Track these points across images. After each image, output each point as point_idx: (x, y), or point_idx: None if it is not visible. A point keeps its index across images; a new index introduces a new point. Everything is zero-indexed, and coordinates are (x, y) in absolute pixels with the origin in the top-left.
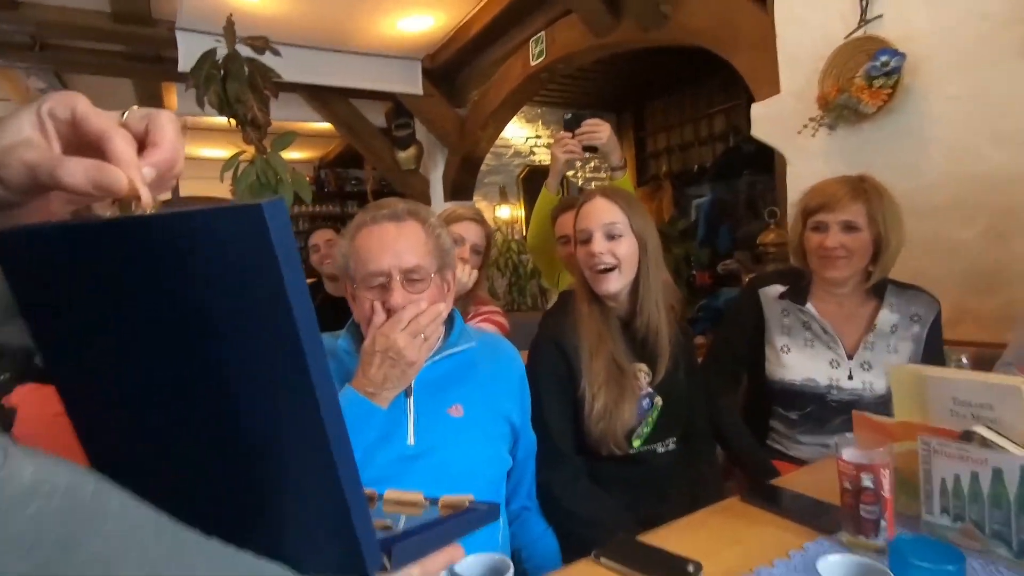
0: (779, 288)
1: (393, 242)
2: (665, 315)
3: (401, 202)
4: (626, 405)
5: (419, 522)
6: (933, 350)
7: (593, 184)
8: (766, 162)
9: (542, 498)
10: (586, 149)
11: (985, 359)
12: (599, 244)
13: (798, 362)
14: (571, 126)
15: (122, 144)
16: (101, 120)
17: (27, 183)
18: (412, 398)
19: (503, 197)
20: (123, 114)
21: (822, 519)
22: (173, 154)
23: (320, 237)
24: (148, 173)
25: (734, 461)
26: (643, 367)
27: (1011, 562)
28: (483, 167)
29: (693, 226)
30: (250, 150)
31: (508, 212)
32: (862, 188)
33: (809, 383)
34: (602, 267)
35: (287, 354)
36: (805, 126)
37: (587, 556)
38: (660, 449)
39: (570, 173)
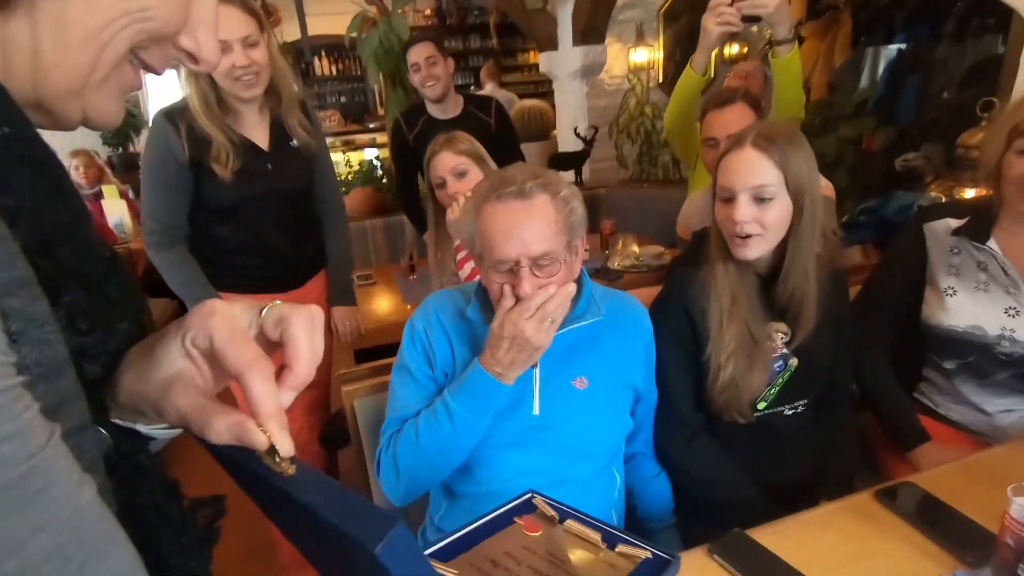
0: (953, 223)
1: (520, 227)
2: (814, 276)
3: (529, 173)
4: (756, 373)
5: None
6: None
7: (744, 52)
8: (997, 18)
9: (659, 455)
10: (746, 19)
11: None
12: (743, 210)
13: (964, 307)
14: None
15: (259, 392)
16: (239, 355)
17: (181, 424)
18: (538, 369)
19: (639, 37)
20: (262, 311)
21: (967, 547)
22: (308, 372)
23: (419, 55)
24: (287, 399)
25: (884, 429)
26: (781, 327)
27: None
28: (618, 1)
29: (872, 92)
30: (373, 9)
31: (645, 56)
32: None
33: (975, 331)
34: (744, 235)
35: None
36: None
37: (701, 546)
38: (788, 411)
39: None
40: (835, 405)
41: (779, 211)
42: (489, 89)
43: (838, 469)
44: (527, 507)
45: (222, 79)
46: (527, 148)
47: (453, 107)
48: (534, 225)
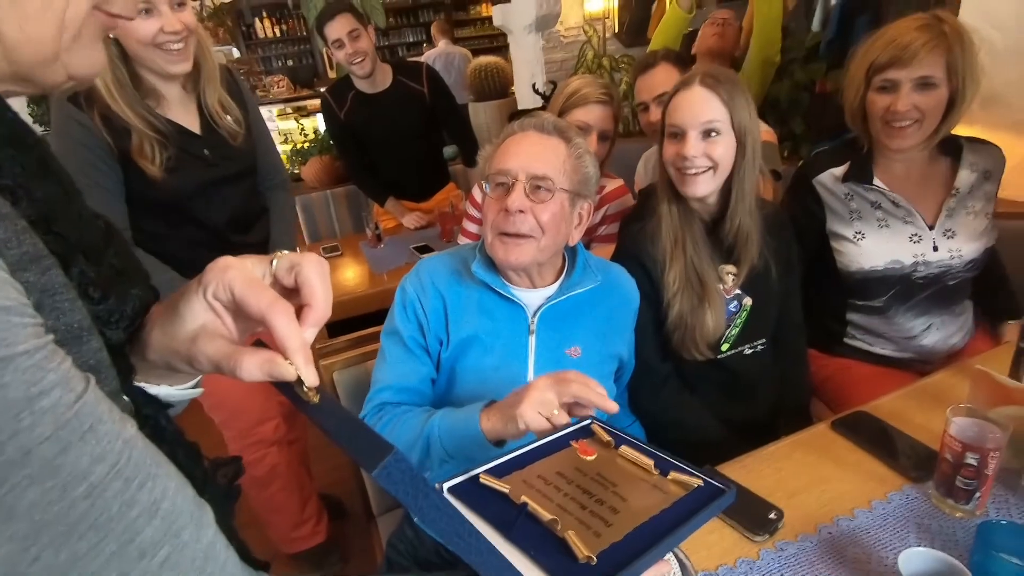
0: (838, 170)
1: (530, 147)
2: (757, 215)
3: (553, 117)
4: (708, 312)
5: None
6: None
7: None
8: None
9: (631, 404)
10: None
11: None
12: (693, 145)
13: (877, 246)
14: None
15: (285, 328)
16: (259, 300)
17: (214, 370)
18: (535, 336)
19: None
20: (272, 262)
21: (913, 465)
22: (326, 309)
23: (340, 29)
24: (310, 335)
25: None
26: (731, 268)
27: None
28: None
29: (823, 36)
30: None
31: (600, 4)
32: (940, 32)
33: (893, 266)
34: (693, 171)
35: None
36: None
37: None
38: (748, 351)
39: None
40: (789, 341)
41: (725, 147)
42: (442, 46)
43: (795, 402)
44: (585, 432)
45: (141, 50)
46: (486, 107)
47: (382, 79)
48: (540, 151)
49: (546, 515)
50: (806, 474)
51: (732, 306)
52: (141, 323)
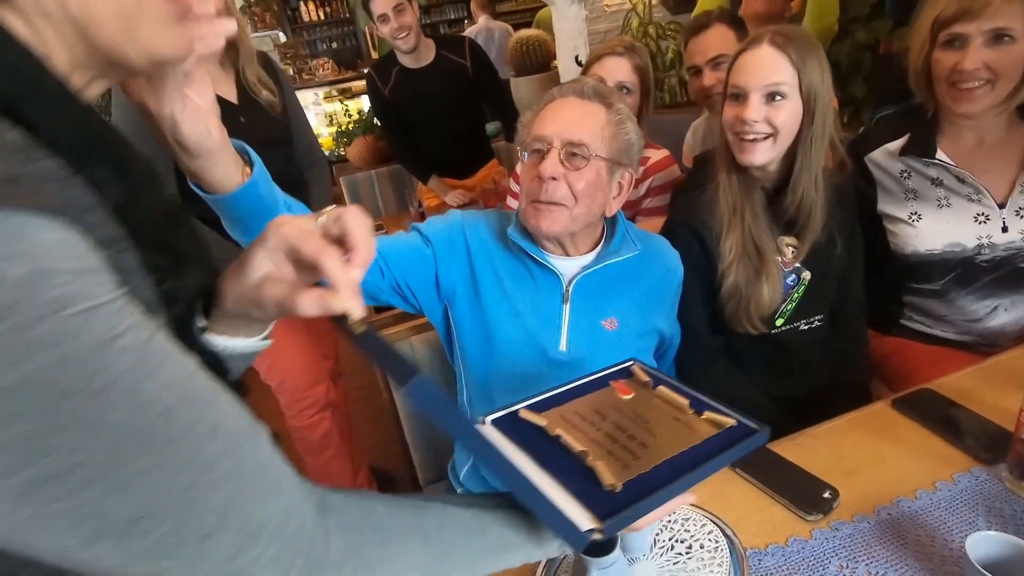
0: (894, 145)
1: (567, 113)
2: (823, 186)
3: (594, 82)
4: (765, 284)
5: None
6: None
7: None
8: None
9: (679, 377)
10: None
11: None
12: (755, 109)
13: (935, 229)
14: None
15: (333, 267)
16: (311, 246)
17: (279, 312)
18: (569, 304)
19: None
20: (318, 217)
21: (983, 446)
22: (370, 251)
23: (385, 3)
24: (358, 275)
25: None
26: (791, 240)
27: None
28: None
29: None
30: None
31: None
32: None
33: (953, 248)
34: (752, 136)
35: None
36: None
37: None
38: (804, 327)
39: None
40: (849, 318)
41: (790, 112)
42: (482, 22)
43: (854, 381)
44: (624, 373)
45: None
46: (528, 82)
47: (425, 53)
48: (578, 116)
49: (577, 446)
50: (864, 454)
51: (790, 280)
52: (211, 291)
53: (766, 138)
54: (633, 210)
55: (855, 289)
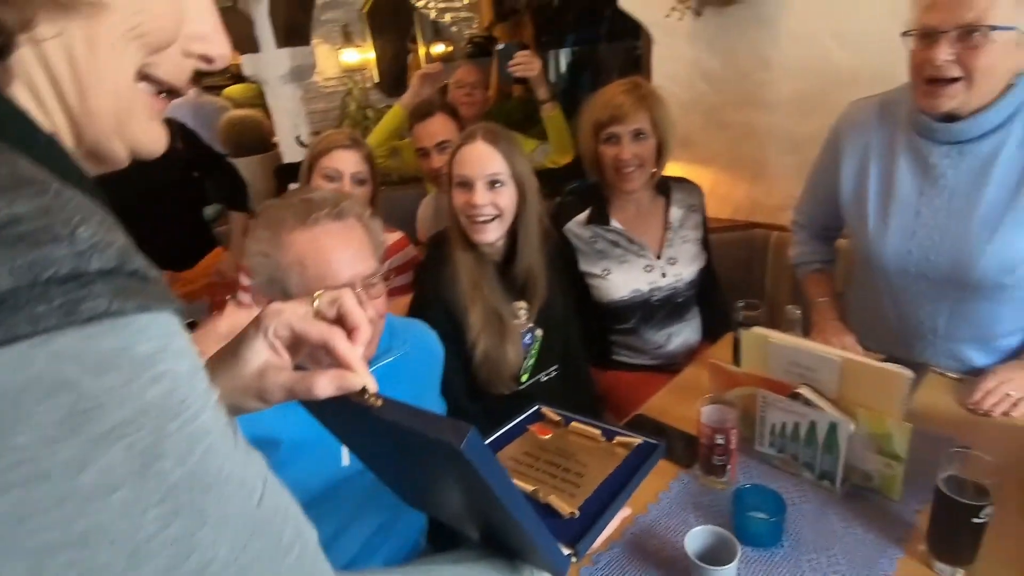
0: (582, 216)
1: (343, 251)
2: (542, 253)
3: (334, 196)
4: (509, 347)
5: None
6: (707, 232)
7: (450, 20)
8: (633, 23)
9: None
10: (516, 81)
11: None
12: (481, 195)
13: (621, 280)
14: (504, 58)
15: (345, 348)
16: (318, 330)
17: (285, 398)
18: None
19: (347, 39)
20: (313, 302)
21: (682, 454)
22: (368, 331)
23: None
24: (362, 352)
25: None
26: (522, 304)
27: (814, 483)
28: (318, 1)
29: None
30: None
31: (356, 56)
32: (642, 95)
33: (636, 295)
34: (482, 218)
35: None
36: (674, 9)
37: None
38: (544, 378)
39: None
40: (574, 364)
41: (509, 195)
42: (192, 95)
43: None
44: (536, 416)
45: None
46: (247, 162)
47: None
48: (350, 245)
49: (528, 487)
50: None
51: (527, 339)
52: None
53: (493, 219)
54: None
55: (575, 336)
